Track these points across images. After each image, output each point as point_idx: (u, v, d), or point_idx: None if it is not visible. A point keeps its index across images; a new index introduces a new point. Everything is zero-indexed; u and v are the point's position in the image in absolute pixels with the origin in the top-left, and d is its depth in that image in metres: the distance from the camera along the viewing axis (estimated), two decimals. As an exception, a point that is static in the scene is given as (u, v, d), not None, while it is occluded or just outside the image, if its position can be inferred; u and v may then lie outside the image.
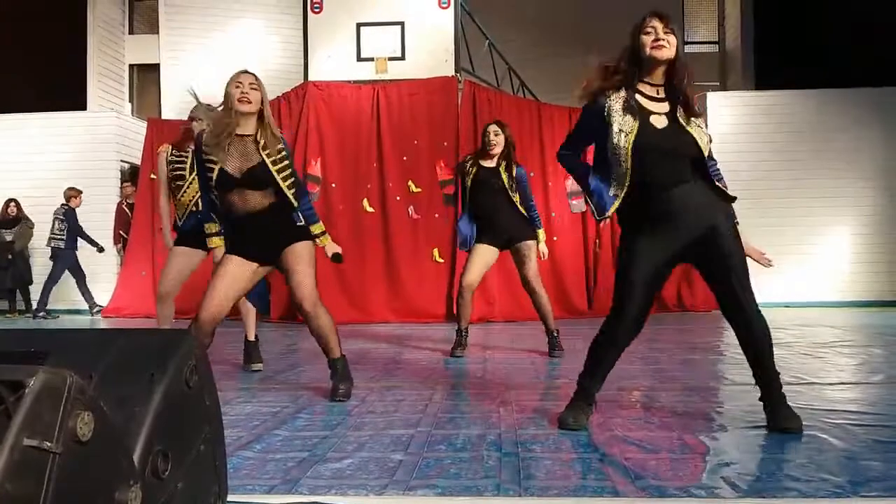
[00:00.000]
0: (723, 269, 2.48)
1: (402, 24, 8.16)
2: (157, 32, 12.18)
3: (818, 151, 9.42)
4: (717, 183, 2.55)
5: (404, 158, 8.00)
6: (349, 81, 8.20)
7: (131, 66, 12.47)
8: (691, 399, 3.09)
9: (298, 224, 3.23)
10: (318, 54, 8.30)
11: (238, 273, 3.11)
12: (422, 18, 8.18)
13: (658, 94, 2.52)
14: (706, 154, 2.50)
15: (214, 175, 3.06)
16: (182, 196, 4.30)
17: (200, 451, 1.47)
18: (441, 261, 7.93)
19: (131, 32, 12.59)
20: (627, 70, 2.50)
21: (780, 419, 2.46)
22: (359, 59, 8.17)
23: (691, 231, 2.47)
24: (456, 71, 8.15)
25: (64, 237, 8.93)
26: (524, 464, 2.08)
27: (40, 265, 9.44)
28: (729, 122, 9.44)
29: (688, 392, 3.26)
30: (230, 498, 1.60)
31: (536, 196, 8.24)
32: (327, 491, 1.85)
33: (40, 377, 1.14)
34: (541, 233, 4.76)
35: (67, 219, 8.93)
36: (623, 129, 2.46)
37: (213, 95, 3.63)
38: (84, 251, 9.25)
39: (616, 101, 2.50)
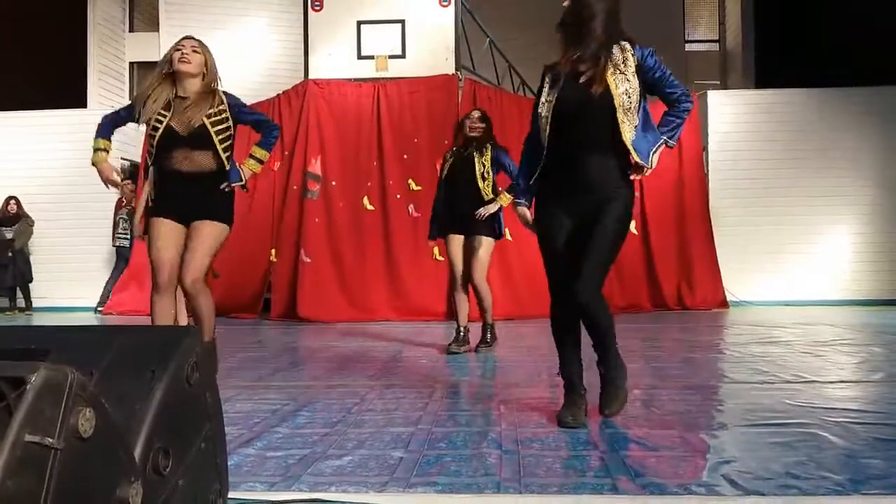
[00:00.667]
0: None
1: (402, 21, 8.15)
2: (158, 30, 12.16)
3: (819, 150, 9.42)
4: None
5: (405, 157, 8.00)
6: (349, 79, 8.20)
7: (132, 63, 12.46)
8: (691, 397, 3.09)
9: (226, 193, 3.32)
10: (318, 52, 8.29)
11: (172, 231, 3.24)
12: (422, 16, 8.17)
13: (582, 56, 2.51)
14: (629, 105, 2.45)
15: (160, 132, 3.18)
16: None
17: (201, 449, 1.48)
18: (441, 259, 7.90)
19: (132, 30, 12.58)
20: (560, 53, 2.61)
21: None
22: (359, 56, 8.17)
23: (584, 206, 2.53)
24: (456, 69, 8.14)
25: (128, 237, 9.01)
26: (524, 461, 2.09)
27: (40, 263, 9.44)
28: (729, 121, 9.44)
29: (688, 390, 3.26)
30: (231, 495, 1.60)
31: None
32: (328, 488, 1.85)
33: (42, 373, 1.14)
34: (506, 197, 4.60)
35: (130, 219, 8.98)
36: (545, 99, 2.56)
37: None
38: (86, 249, 9.26)
39: (547, 81, 2.63)
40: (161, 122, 3.20)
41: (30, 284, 9.39)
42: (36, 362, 1.17)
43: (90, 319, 8.21)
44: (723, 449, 2.23)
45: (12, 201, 9.25)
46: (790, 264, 9.32)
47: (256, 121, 3.60)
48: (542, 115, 2.55)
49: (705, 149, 9.37)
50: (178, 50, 3.22)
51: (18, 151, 9.90)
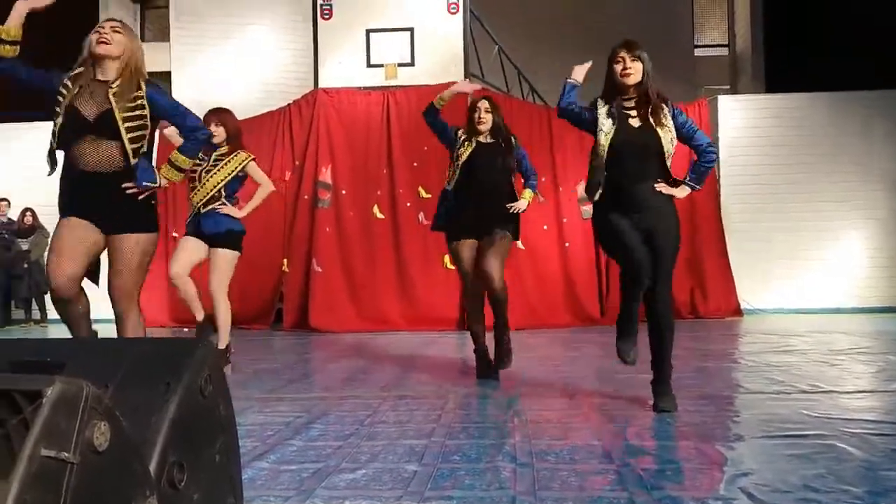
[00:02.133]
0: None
1: (411, 30, 8.18)
2: (168, 40, 12.26)
3: (830, 155, 9.35)
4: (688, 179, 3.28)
5: (414, 164, 8.00)
6: (359, 88, 8.22)
7: (143, 73, 12.55)
8: (706, 408, 3.06)
9: (139, 199, 2.88)
10: (328, 61, 8.33)
11: (84, 237, 2.86)
12: (431, 24, 8.19)
13: (634, 104, 3.14)
14: (670, 151, 3.16)
15: (62, 110, 2.82)
16: (192, 196, 4.49)
17: (216, 462, 1.47)
18: (452, 267, 7.91)
19: (143, 40, 12.67)
20: (607, 91, 3.18)
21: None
22: (368, 65, 8.19)
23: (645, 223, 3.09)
24: (465, 76, 8.15)
25: None
26: (539, 475, 2.07)
27: None
28: (740, 126, 9.39)
29: (702, 401, 3.23)
30: (245, 508, 1.59)
31: (548, 201, 8.25)
32: (342, 502, 1.84)
33: (57, 387, 1.14)
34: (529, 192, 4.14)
35: None
36: (604, 129, 3.12)
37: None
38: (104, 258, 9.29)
39: (602, 108, 3.16)
40: (70, 104, 2.83)
41: (45, 296, 9.44)
42: (51, 376, 1.17)
43: (106, 331, 8.22)
44: (740, 461, 2.20)
45: (28, 213, 9.31)
46: (804, 271, 9.24)
47: (178, 118, 3.09)
48: (601, 143, 3.13)
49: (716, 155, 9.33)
50: (97, 31, 2.93)
51: (30, 163, 9.97)
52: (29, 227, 9.30)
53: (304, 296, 7.81)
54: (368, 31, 8.22)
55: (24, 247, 9.24)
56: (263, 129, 8.52)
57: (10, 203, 9.27)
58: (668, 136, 3.12)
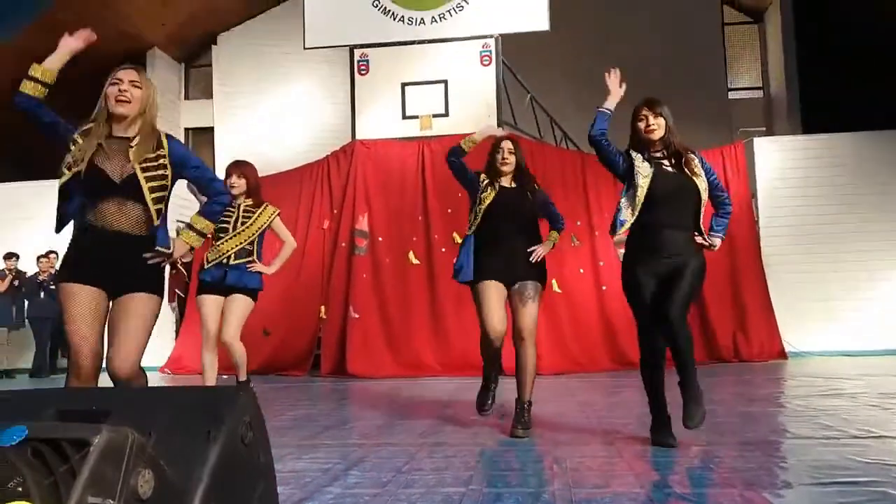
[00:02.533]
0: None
1: (445, 81, 8.37)
2: (211, 97, 12.71)
3: (873, 195, 9.17)
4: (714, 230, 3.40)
5: (449, 210, 8.08)
6: (395, 139, 8.40)
7: (187, 129, 13.01)
8: (752, 454, 2.97)
9: (152, 262, 2.75)
10: (364, 113, 8.54)
11: (97, 306, 2.66)
12: (464, 76, 8.37)
13: (663, 155, 3.32)
14: (705, 198, 3.27)
15: (81, 168, 2.61)
16: (221, 244, 4.58)
17: (255, 509, 1.48)
18: (488, 313, 7.91)
19: (187, 98, 13.17)
20: (634, 146, 3.35)
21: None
22: (404, 116, 8.39)
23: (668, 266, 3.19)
24: (498, 125, 8.26)
25: None
26: (580, 522, 2.03)
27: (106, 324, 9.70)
28: (777, 167, 9.30)
29: (748, 446, 3.14)
30: (284, 557, 1.59)
31: (583, 244, 8.23)
32: (380, 550, 1.83)
33: (104, 435, 1.17)
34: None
35: None
36: (642, 172, 3.25)
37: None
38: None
39: (637, 157, 3.32)
40: (91, 162, 2.64)
41: None
42: (98, 424, 1.20)
43: (154, 379, 8.36)
44: (788, 509, 2.13)
45: (53, 256, 9.56)
46: (847, 312, 8.98)
47: (203, 177, 2.96)
48: (640, 185, 3.23)
49: (754, 196, 9.23)
50: (115, 84, 2.71)
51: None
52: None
53: (341, 342, 7.86)
54: (404, 85, 8.44)
55: None
56: (304, 180, 8.73)
57: (58, 255, 9.58)
58: (703, 185, 3.25)
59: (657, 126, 3.29)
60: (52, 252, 9.53)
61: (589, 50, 11.99)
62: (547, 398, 5.42)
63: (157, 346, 9.42)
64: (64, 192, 2.71)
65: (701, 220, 3.26)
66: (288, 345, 8.17)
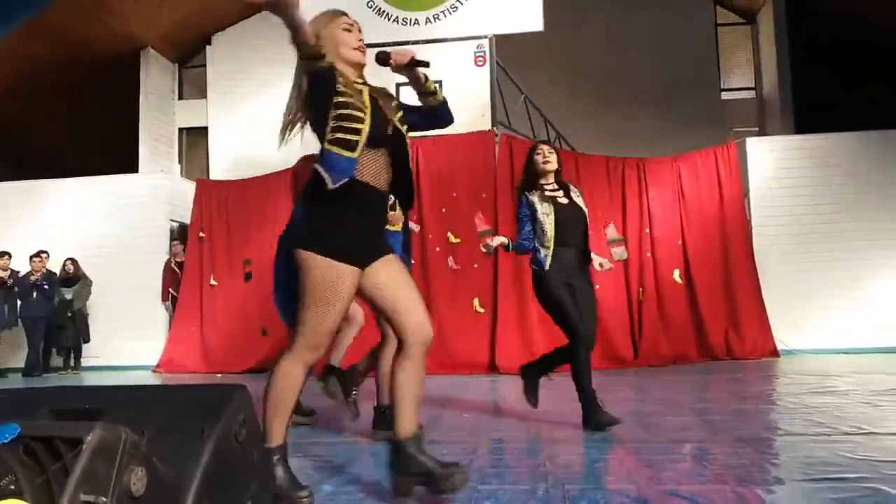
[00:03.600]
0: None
1: (439, 82, 8.31)
2: (206, 97, 12.69)
3: (864, 194, 9.22)
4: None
5: (443, 210, 8.09)
6: (389, 138, 8.40)
7: (181, 129, 12.98)
8: (744, 450, 2.99)
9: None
10: (358, 113, 8.54)
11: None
12: (459, 76, 8.38)
13: (554, 187, 3.90)
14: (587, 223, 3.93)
15: (366, 126, 2.30)
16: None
17: (249, 507, 1.49)
18: (482, 310, 7.92)
19: (181, 98, 13.14)
20: (528, 179, 3.93)
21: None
22: (398, 116, 8.39)
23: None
24: (493, 125, 8.28)
25: None
26: (572, 519, 2.04)
27: (103, 322, 9.69)
28: (769, 167, 9.34)
29: (741, 443, 3.16)
30: (277, 554, 1.60)
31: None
32: (373, 547, 1.84)
33: (97, 434, 1.17)
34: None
35: None
36: (545, 212, 3.78)
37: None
38: (140, 307, 9.52)
39: (534, 196, 3.84)
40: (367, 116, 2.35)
41: (85, 345, 9.63)
42: (91, 422, 1.21)
43: (146, 378, 8.36)
44: (779, 505, 2.15)
45: (69, 262, 9.57)
46: (839, 311, 9.03)
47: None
48: (548, 222, 3.77)
49: (746, 195, 9.26)
50: (348, 30, 2.53)
51: (74, 215, 10.31)
52: (72, 276, 9.54)
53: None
54: (398, 85, 8.41)
55: (68, 296, 9.46)
56: (298, 179, 8.71)
57: (49, 255, 9.56)
58: (586, 210, 3.94)
59: (552, 160, 3.89)
60: (43, 252, 9.51)
61: (583, 51, 12.03)
62: (541, 396, 5.43)
63: (149, 345, 9.44)
64: (350, 144, 2.34)
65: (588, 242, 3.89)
66: (284, 343, 8.17)
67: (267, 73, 12.37)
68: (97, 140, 12.11)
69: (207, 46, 12.78)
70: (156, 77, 12.35)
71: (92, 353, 9.71)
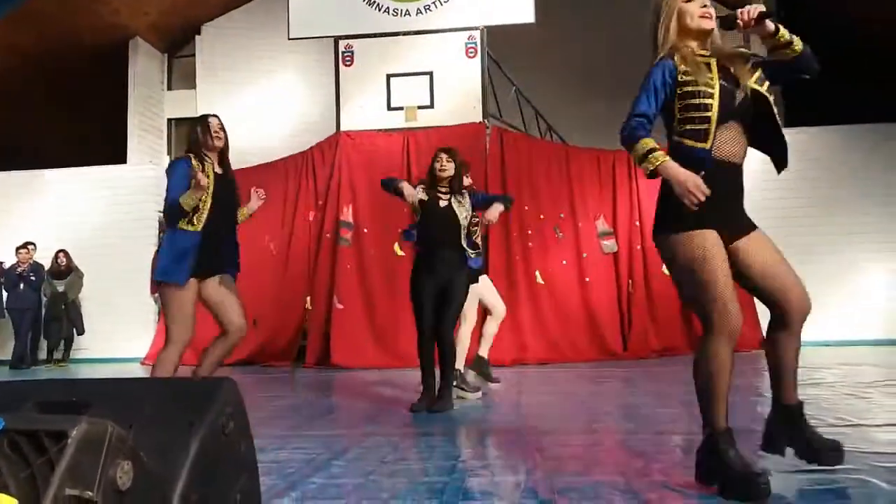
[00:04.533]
0: None
1: (430, 73, 8.34)
2: (195, 87, 12.59)
3: (846, 188, 9.29)
4: None
5: (434, 203, 8.08)
6: (380, 130, 8.37)
7: (169, 120, 12.88)
8: (732, 443, 3.00)
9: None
10: (349, 105, 8.51)
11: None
12: (450, 68, 8.35)
13: (446, 190, 4.38)
14: (465, 224, 4.33)
15: (714, 109, 2.27)
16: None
17: (237, 500, 1.48)
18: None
19: (170, 88, 13.03)
20: (430, 181, 4.43)
21: None
22: (389, 108, 8.36)
23: None
24: (484, 117, 8.27)
25: None
26: (561, 511, 2.05)
27: (93, 314, 9.63)
28: (756, 158, 9.36)
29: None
30: (266, 547, 1.59)
31: (567, 237, 8.27)
32: (362, 540, 1.84)
33: (82, 427, 1.16)
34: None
35: None
36: (424, 212, 4.42)
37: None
38: (129, 300, 9.47)
39: (426, 196, 4.41)
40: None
41: (79, 336, 9.57)
42: (77, 416, 1.20)
43: (135, 371, 8.32)
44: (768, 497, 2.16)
45: (61, 254, 9.51)
46: (826, 303, 9.06)
47: None
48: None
49: (736, 188, 9.30)
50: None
51: (63, 206, 10.24)
52: (64, 268, 9.47)
53: (326, 333, 7.86)
54: (389, 76, 8.40)
55: (60, 288, 9.40)
56: (288, 171, 8.69)
57: (36, 247, 9.49)
58: (463, 213, 4.26)
59: (448, 168, 4.27)
60: (30, 243, 9.44)
61: (574, 44, 11.99)
62: (531, 388, 5.45)
63: (138, 337, 9.40)
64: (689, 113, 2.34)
65: (473, 238, 4.41)
66: (274, 335, 8.16)
67: (257, 65, 12.30)
68: (85, 131, 12.00)
69: (197, 37, 12.67)
70: (144, 67, 12.25)
71: (81, 346, 9.67)
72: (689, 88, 2.28)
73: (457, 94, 8.31)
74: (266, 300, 8.18)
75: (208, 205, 3.58)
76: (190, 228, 3.54)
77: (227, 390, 1.51)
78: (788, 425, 2.50)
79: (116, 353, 9.48)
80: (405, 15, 8.53)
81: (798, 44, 2.30)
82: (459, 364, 4.86)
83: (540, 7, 8.39)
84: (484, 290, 5.21)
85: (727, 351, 2.30)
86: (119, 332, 9.60)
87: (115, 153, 11.45)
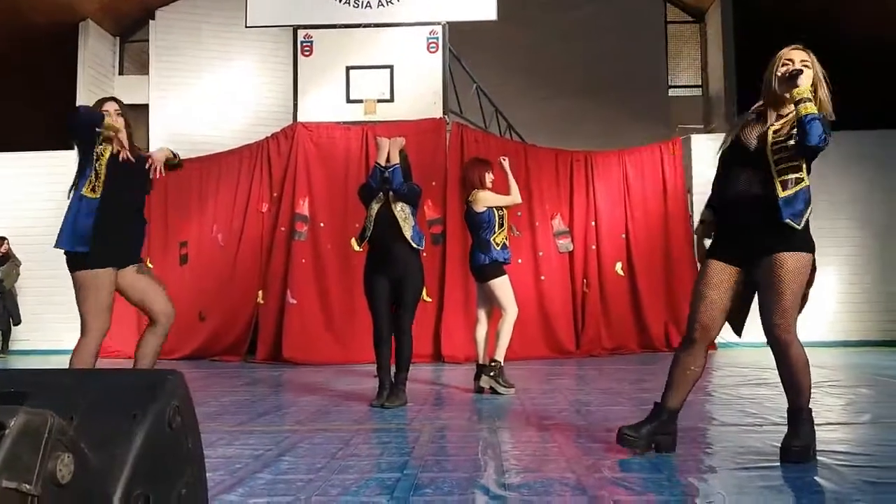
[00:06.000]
0: None
1: (391, 67, 8.29)
2: (147, 73, 12.28)
3: (804, 193, 9.57)
4: None
5: (392, 198, 8.04)
6: (338, 122, 8.29)
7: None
8: (680, 440, 3.06)
9: None
10: (307, 96, 8.40)
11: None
12: (410, 62, 8.32)
13: None
14: (403, 219, 4.42)
15: None
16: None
17: (182, 495, 1.45)
18: (429, 300, 7.91)
19: (121, 73, 12.68)
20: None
21: None
22: (348, 100, 8.27)
23: None
24: (444, 113, 8.26)
25: None
26: (512, 507, 2.05)
27: (33, 304, 9.31)
28: (713, 164, 9.53)
29: (677, 433, 3.23)
30: (212, 543, 1.56)
31: (524, 235, 8.32)
32: (311, 535, 1.81)
33: (20, 418, 1.12)
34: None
35: None
36: (370, 212, 4.49)
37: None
38: (72, 288, 9.18)
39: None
40: None
41: (16, 326, 9.26)
42: (14, 406, 1.15)
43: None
44: (712, 492, 2.21)
45: (5, 242, 9.18)
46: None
47: None
48: (371, 216, 4.37)
49: (689, 191, 9.49)
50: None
51: (7, 193, 9.88)
52: (2, 255, 9.15)
53: (278, 328, 7.75)
54: (348, 68, 8.32)
55: None
56: (242, 161, 8.54)
57: (7, 240, 9.18)
58: (398, 207, 4.33)
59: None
60: (2, 238, 9.15)
61: (534, 43, 12.08)
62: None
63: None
64: None
65: (408, 235, 4.31)
66: (223, 329, 8.02)
67: (212, 52, 12.05)
68: (30, 114, 11.59)
69: (151, 21, 12.35)
70: (94, 50, 11.88)
71: (21, 337, 9.35)
72: None
73: (417, 89, 8.28)
74: (214, 293, 8.04)
75: (103, 177, 3.42)
76: (91, 196, 3.41)
77: (173, 383, 1.47)
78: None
79: (59, 344, 9.19)
80: (366, 7, 8.46)
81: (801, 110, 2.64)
82: (500, 357, 4.88)
83: (502, 5, 8.42)
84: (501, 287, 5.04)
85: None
86: (61, 323, 9.31)
87: (61, 138, 11.08)
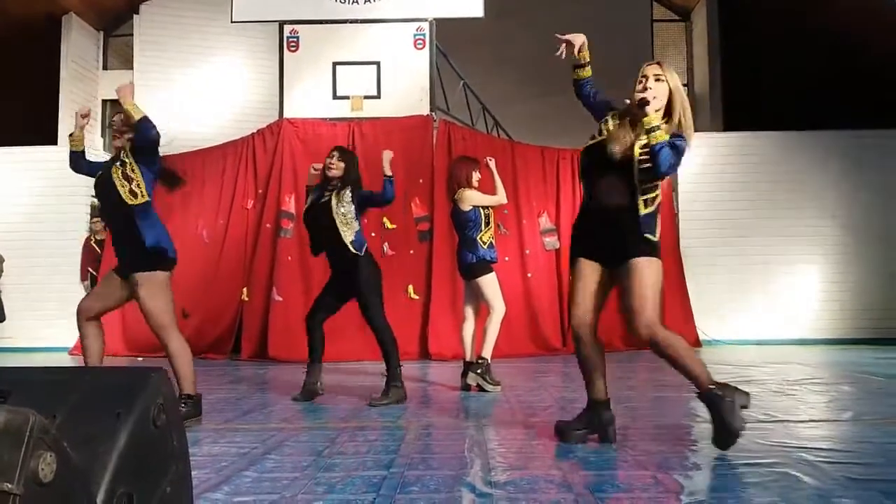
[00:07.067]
0: None
1: (377, 63, 8.27)
2: (132, 68, 12.17)
3: (786, 191, 9.66)
4: None
5: (379, 195, 8.02)
6: (325, 119, 8.26)
7: (104, 101, 12.41)
8: (664, 437, 3.09)
9: None
10: (293, 92, 8.35)
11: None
12: (397, 59, 8.30)
13: (332, 188, 4.57)
14: (341, 220, 4.51)
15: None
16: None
17: (167, 493, 1.44)
18: (416, 297, 7.91)
19: (105, 68, 12.56)
20: (323, 180, 4.65)
21: None
22: (335, 97, 8.24)
23: None
24: (431, 110, 8.25)
25: None
26: (498, 504, 2.06)
27: (18, 301, 9.20)
28: (698, 162, 9.64)
29: (661, 430, 3.26)
30: (196, 542, 1.55)
31: (511, 233, 8.33)
32: (297, 534, 1.81)
33: (1, 416, 1.11)
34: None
35: None
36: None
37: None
38: (55, 287, 9.08)
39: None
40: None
41: (1, 323, 9.15)
42: (-4, 405, 1.13)
43: (63, 360, 8.00)
44: (697, 489, 2.23)
45: None
46: (760, 304, 9.45)
47: None
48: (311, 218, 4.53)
49: (675, 189, 9.55)
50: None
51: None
52: None
53: (263, 325, 7.71)
54: (335, 64, 8.29)
55: None
56: (227, 157, 8.48)
57: None
58: (341, 210, 4.40)
59: (335, 167, 4.43)
60: None
61: (523, 40, 12.08)
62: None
63: (67, 326, 9.02)
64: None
65: (347, 239, 4.38)
66: (208, 327, 7.96)
67: (198, 47, 11.97)
68: (12, 109, 11.45)
69: (135, 15, 12.24)
70: (78, 45, 11.76)
71: (5, 334, 9.24)
72: None
73: (404, 86, 8.26)
74: (197, 290, 7.98)
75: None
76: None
77: (157, 381, 1.46)
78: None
79: (44, 342, 9.11)
80: (353, 3, 8.43)
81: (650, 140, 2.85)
82: (487, 354, 4.88)
83: (489, 2, 8.41)
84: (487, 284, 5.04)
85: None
86: (46, 320, 9.22)
87: (44, 134, 10.96)
